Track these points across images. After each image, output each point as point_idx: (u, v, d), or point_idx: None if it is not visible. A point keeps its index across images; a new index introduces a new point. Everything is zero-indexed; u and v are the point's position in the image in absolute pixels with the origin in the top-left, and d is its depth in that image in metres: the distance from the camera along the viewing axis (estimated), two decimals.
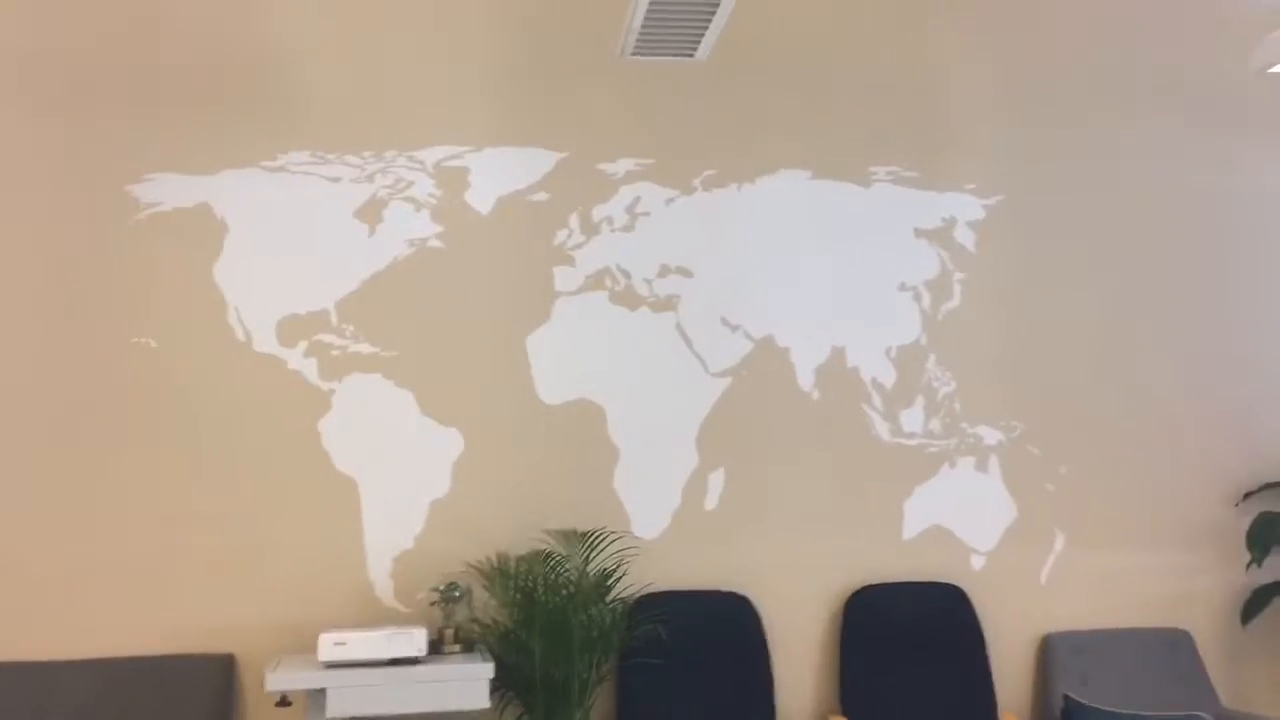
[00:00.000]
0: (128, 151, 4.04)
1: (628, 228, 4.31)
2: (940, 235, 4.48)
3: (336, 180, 4.15)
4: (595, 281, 4.28)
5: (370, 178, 4.17)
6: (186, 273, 4.05)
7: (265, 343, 4.07)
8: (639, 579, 4.19)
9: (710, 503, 4.28)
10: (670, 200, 4.33)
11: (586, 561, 4.01)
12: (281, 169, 4.12)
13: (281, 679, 3.51)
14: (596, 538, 4.10)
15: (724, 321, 4.34)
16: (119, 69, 4.05)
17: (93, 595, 3.92)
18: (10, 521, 3.89)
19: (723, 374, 4.33)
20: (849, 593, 4.29)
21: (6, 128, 3.98)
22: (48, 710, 3.73)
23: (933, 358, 4.44)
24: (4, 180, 3.97)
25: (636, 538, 4.22)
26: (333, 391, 4.10)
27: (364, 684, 3.53)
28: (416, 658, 3.63)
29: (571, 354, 4.24)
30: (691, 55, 3.52)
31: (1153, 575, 4.49)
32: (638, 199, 4.32)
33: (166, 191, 4.06)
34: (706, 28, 3.31)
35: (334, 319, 4.12)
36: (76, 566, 3.91)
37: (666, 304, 4.31)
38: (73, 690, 3.77)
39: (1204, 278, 4.65)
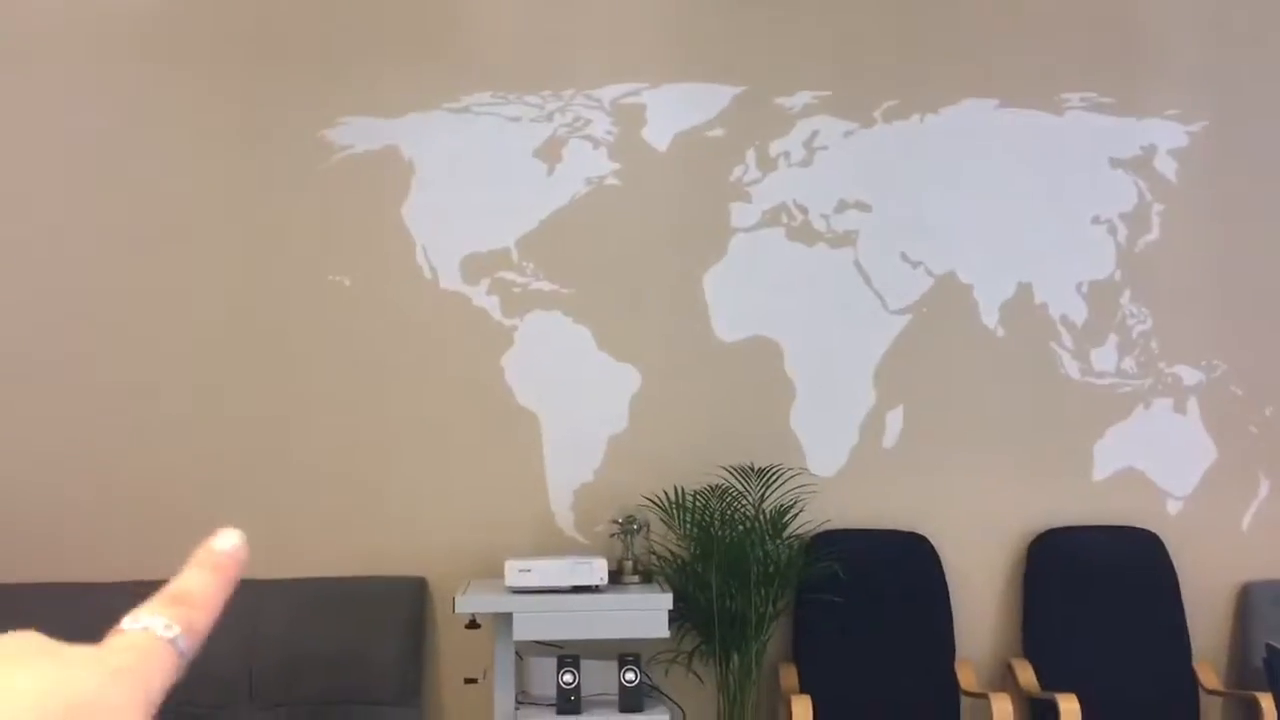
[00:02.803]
0: (320, 98, 4.20)
1: (805, 162, 4.24)
2: (1139, 165, 4.24)
3: (517, 120, 4.21)
4: (772, 217, 4.24)
5: (549, 116, 4.22)
6: (377, 213, 4.20)
7: (450, 280, 4.20)
8: (816, 516, 4.17)
9: (889, 441, 4.22)
10: (849, 133, 4.24)
11: (763, 497, 4.01)
12: (464, 110, 4.21)
13: (471, 602, 3.66)
14: (773, 474, 4.09)
15: (904, 257, 4.24)
16: (308, 18, 4.20)
17: (297, 520, 4.15)
18: (220, 452, 4.16)
19: (902, 311, 4.24)
20: (1034, 535, 4.18)
21: (207, 77, 4.19)
22: (258, 624, 3.99)
23: (1128, 293, 4.23)
24: (206, 127, 4.19)
25: (813, 475, 4.20)
26: (514, 328, 4.20)
27: (548, 609, 3.64)
28: (598, 586, 3.72)
29: (748, 290, 4.22)
30: None
31: None
32: (815, 132, 4.24)
33: (357, 135, 4.21)
34: None
35: (515, 257, 4.21)
36: (283, 494, 4.15)
37: (844, 239, 4.24)
38: (279, 607, 4.02)
39: None
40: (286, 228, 4.19)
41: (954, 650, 4.06)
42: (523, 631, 3.64)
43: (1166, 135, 4.25)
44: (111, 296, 4.17)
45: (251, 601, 4.02)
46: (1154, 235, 4.24)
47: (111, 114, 4.18)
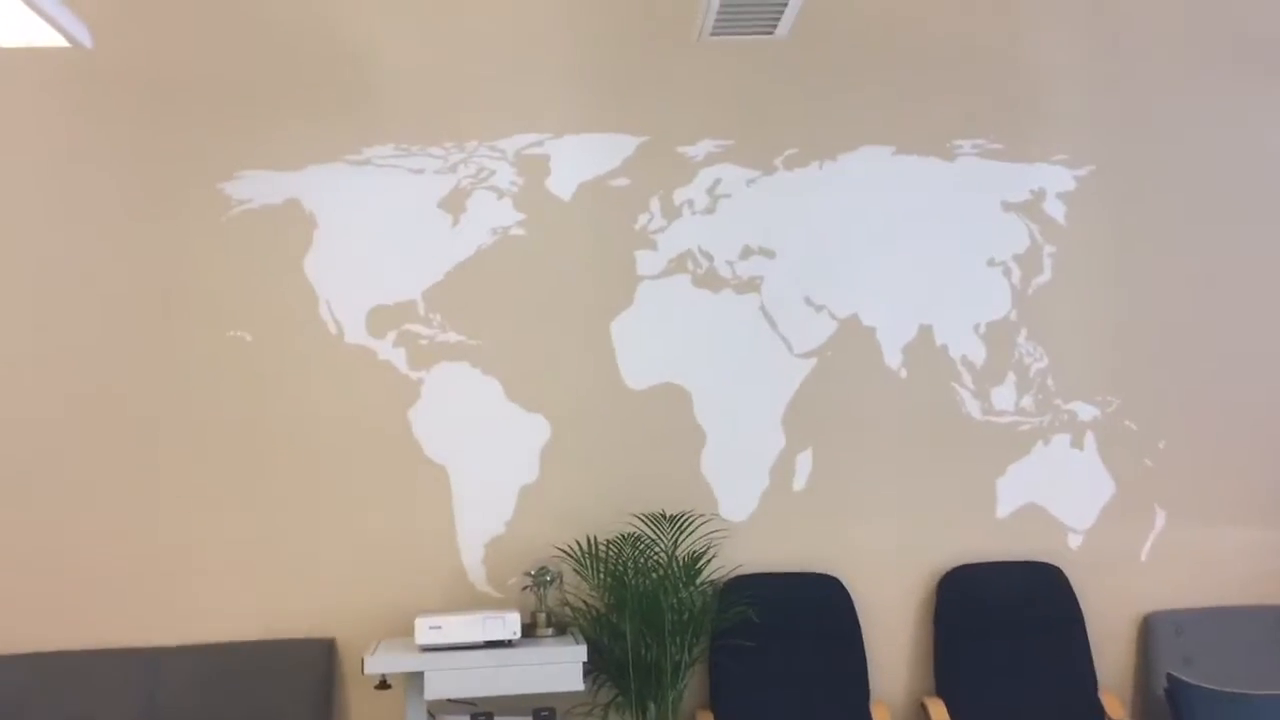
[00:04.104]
0: (218, 151, 4.14)
1: (709, 210, 4.29)
2: (1029, 208, 4.38)
3: (420, 172, 4.20)
4: (678, 265, 4.27)
5: (453, 168, 4.21)
6: (278, 267, 4.14)
7: (355, 334, 4.15)
8: (728, 561, 4.19)
9: (798, 484, 4.25)
10: (751, 181, 4.31)
11: (675, 544, 4.01)
12: (366, 162, 4.18)
13: (380, 662, 3.58)
14: (685, 520, 4.11)
15: (808, 302, 4.31)
16: (208, 71, 4.15)
17: (198, 583, 4.03)
18: (118, 514, 4.03)
19: (808, 355, 4.29)
20: (942, 573, 4.24)
21: (103, 133, 4.11)
22: (157, 694, 3.86)
23: (1024, 333, 4.35)
24: (102, 182, 4.10)
25: (725, 520, 4.22)
26: (421, 381, 4.16)
27: (460, 666, 3.59)
28: (510, 641, 3.67)
29: (655, 338, 4.24)
30: (771, 32, 3.48)
31: (1259, 551, 4.36)
32: (718, 180, 4.30)
33: (256, 188, 4.15)
34: (787, 3, 3.27)
35: (421, 309, 4.18)
36: (181, 556, 4.04)
37: (749, 285, 4.29)
38: (180, 675, 3.89)
39: None
40: (185, 283, 4.10)
41: (869, 691, 4.09)
42: (434, 690, 3.57)
43: (1055, 179, 4.40)
44: (5, 353, 4.02)
45: (150, 670, 3.89)
46: (1046, 276, 4.38)
47: (6, 168, 4.07)
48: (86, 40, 2.99)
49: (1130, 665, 4.27)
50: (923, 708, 4.13)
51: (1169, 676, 3.31)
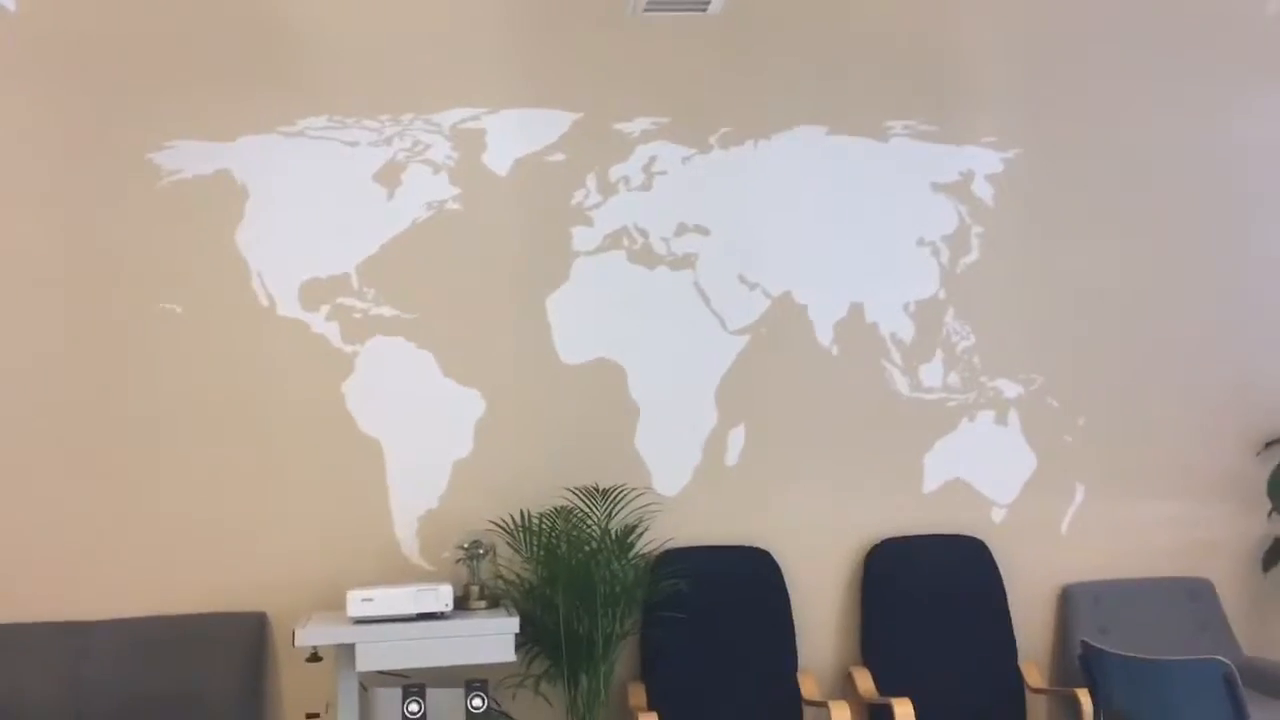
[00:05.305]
0: (148, 121, 4.08)
1: (645, 187, 4.32)
2: (958, 189, 4.47)
3: (355, 144, 4.18)
4: (613, 241, 4.30)
5: (388, 141, 4.19)
6: (209, 239, 4.09)
7: (288, 307, 4.12)
8: (661, 535, 4.24)
9: (731, 459, 4.31)
10: (687, 158, 4.34)
11: (609, 518, 4.05)
12: (300, 134, 4.15)
13: (311, 634, 3.58)
14: (618, 494, 4.15)
15: (742, 279, 4.36)
16: (137, 38, 4.08)
17: (127, 556, 4.00)
18: (45, 486, 3.97)
19: (741, 331, 4.35)
20: (870, 546, 4.33)
21: (29, 101, 4.03)
22: (84, 668, 3.82)
23: (951, 312, 4.44)
24: (28, 153, 4.02)
25: (658, 494, 4.27)
26: (355, 354, 4.15)
27: (392, 639, 3.60)
28: (443, 613, 3.69)
29: (591, 314, 4.27)
30: (704, 9, 3.52)
31: (1173, 525, 4.51)
32: (654, 158, 4.33)
33: (187, 159, 4.10)
34: None
35: (355, 282, 4.16)
36: (110, 529, 4.00)
37: (684, 262, 4.33)
38: (108, 649, 3.86)
39: (1226, 229, 4.62)
40: (115, 255, 4.05)
41: (797, 661, 4.17)
42: (366, 662, 3.58)
43: (983, 161, 4.48)
44: None
45: (76, 644, 3.85)
46: (974, 256, 4.47)
47: None
48: (9, 3, 2.94)
49: (1050, 635, 4.40)
50: (849, 677, 4.22)
51: (1083, 643, 3.42)
